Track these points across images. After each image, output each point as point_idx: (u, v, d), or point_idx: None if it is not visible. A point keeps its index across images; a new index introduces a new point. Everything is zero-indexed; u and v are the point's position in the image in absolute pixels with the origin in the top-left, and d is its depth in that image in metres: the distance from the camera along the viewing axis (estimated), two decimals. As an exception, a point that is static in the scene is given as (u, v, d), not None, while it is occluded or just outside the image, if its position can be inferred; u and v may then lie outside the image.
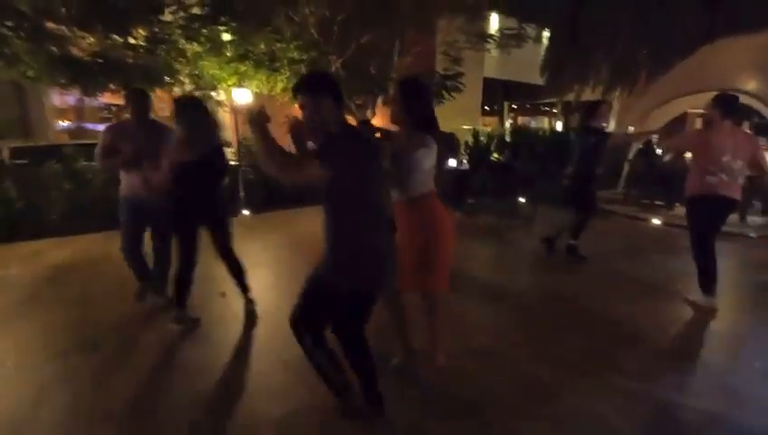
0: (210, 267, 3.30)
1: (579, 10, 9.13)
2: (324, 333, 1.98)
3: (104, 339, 2.89)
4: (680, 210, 6.63)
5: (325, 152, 1.76)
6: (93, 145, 3.60)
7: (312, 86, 1.82)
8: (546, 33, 12.17)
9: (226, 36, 6.82)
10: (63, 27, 5.14)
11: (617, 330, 3.16)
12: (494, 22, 12.59)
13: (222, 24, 6.64)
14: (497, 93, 17.51)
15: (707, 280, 3.40)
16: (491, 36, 8.49)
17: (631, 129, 8.74)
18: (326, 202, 1.82)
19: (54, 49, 5.04)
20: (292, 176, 1.85)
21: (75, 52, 5.56)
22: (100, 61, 5.68)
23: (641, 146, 8.38)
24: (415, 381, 2.45)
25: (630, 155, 8.55)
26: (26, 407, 2.22)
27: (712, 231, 3.42)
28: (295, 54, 6.81)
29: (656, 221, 6.47)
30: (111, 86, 5.82)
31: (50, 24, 4.94)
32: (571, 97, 11.01)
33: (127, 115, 3.15)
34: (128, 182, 3.13)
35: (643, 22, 8.86)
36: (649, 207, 7.53)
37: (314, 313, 1.94)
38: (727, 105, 3.25)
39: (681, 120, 9.87)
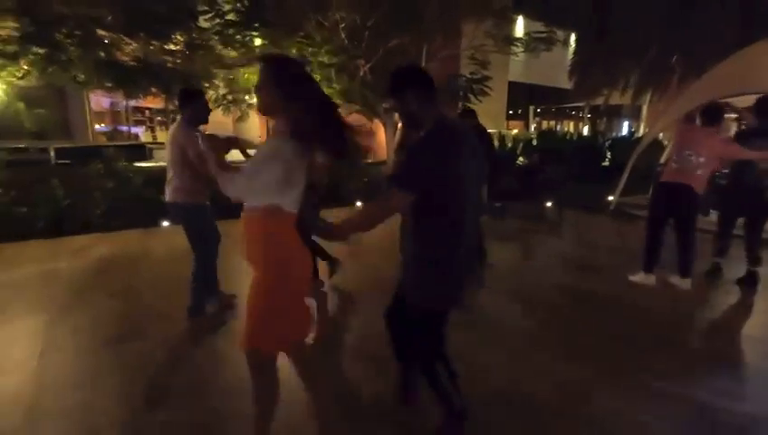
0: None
1: (608, 13, 9.02)
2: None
3: (153, 328, 3.06)
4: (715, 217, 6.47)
5: (403, 178, 1.58)
6: (131, 147, 3.77)
7: (392, 87, 1.70)
8: (573, 37, 12.06)
9: (258, 41, 7.06)
10: (111, 34, 5.43)
11: (651, 333, 3.14)
12: (519, 25, 12.56)
13: (254, 30, 6.87)
14: (522, 97, 17.42)
15: (648, 258, 4.05)
16: (518, 40, 8.49)
17: (661, 135, 8.56)
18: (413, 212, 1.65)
19: (102, 54, 5.34)
20: (387, 216, 1.63)
21: (120, 57, 5.86)
22: (142, 66, 5.97)
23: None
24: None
25: (663, 159, 8.37)
26: (86, 388, 2.38)
27: (664, 214, 3.94)
28: (325, 59, 6.99)
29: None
30: (152, 89, 6.10)
31: (99, 32, 5.24)
32: (599, 101, 10.84)
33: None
34: (198, 188, 2.98)
35: (676, 24, 8.68)
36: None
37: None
38: (707, 115, 3.90)
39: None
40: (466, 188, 1.62)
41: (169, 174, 2.98)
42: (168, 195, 3.01)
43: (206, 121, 3.10)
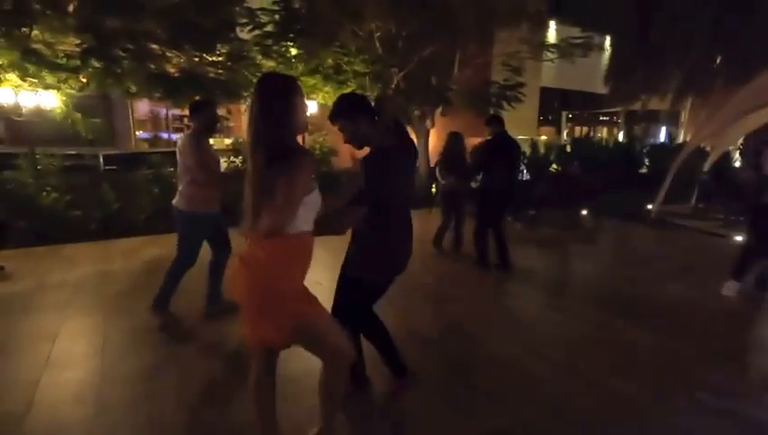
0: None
1: (649, 14, 8.77)
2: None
3: (203, 328, 3.20)
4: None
5: (367, 198, 1.93)
6: (172, 153, 3.95)
7: (341, 110, 2.02)
8: (608, 40, 11.78)
9: (293, 51, 7.27)
10: (160, 47, 5.74)
11: (698, 347, 3.04)
12: (552, 30, 12.38)
13: (290, 41, 7.09)
14: (554, 103, 17.12)
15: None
16: (554, 45, 8.40)
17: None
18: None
19: (153, 67, 5.65)
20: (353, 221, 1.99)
21: (168, 69, 6.18)
22: (187, 76, 6.26)
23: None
24: (495, 392, 2.51)
25: (706, 167, 8.06)
26: (147, 383, 2.52)
27: None
28: (360, 68, 7.13)
29: (738, 238, 6.06)
30: (196, 99, 6.37)
31: (151, 46, 5.55)
32: (637, 106, 10.54)
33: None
34: (206, 197, 3.12)
35: (721, 25, 8.35)
36: (724, 222, 7.03)
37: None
38: None
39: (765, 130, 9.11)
40: (399, 192, 2.08)
41: (179, 180, 3.13)
42: (175, 199, 3.16)
43: (214, 131, 3.23)
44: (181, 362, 2.74)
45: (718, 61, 9.09)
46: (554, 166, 9.41)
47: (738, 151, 10.77)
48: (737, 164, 9.31)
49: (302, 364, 2.66)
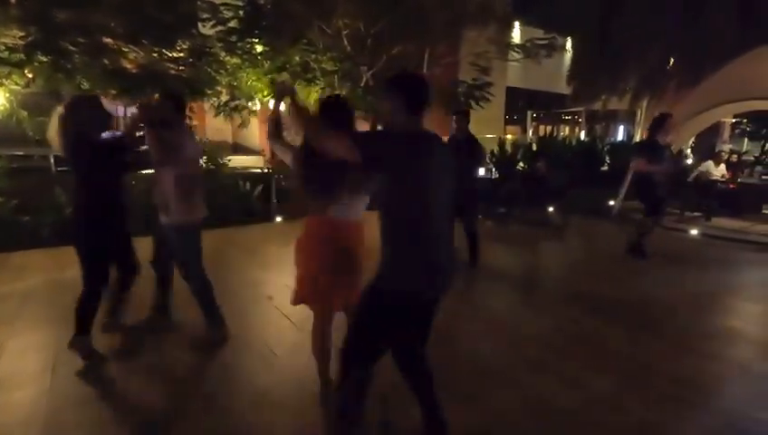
0: (255, 272, 3.41)
1: (611, 18, 9.08)
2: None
3: (161, 340, 3.04)
4: (725, 222, 6.52)
5: (370, 139, 1.89)
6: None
7: (385, 85, 1.79)
8: (570, 42, 12.14)
9: (259, 48, 7.06)
10: (115, 42, 5.43)
11: (666, 340, 3.15)
12: (516, 32, 12.66)
13: (255, 37, 6.88)
14: (520, 102, 17.55)
15: None
16: (520, 46, 8.56)
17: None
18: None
19: (107, 62, 5.33)
20: (323, 145, 1.75)
21: (124, 64, 5.85)
22: (146, 73, 5.94)
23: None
24: (471, 392, 2.50)
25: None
26: (101, 402, 2.36)
27: None
28: (329, 66, 7.00)
29: (693, 232, 6.38)
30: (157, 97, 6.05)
31: (105, 40, 5.24)
32: (598, 106, 10.93)
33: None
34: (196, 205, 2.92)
35: (674, 26, 8.74)
36: (681, 217, 7.39)
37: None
38: None
39: (713, 129, 9.70)
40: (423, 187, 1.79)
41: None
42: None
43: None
44: (138, 379, 2.57)
45: (671, 62, 9.53)
46: (521, 164, 9.60)
47: (690, 149, 11.36)
48: (689, 161, 9.82)
49: (273, 376, 2.58)
